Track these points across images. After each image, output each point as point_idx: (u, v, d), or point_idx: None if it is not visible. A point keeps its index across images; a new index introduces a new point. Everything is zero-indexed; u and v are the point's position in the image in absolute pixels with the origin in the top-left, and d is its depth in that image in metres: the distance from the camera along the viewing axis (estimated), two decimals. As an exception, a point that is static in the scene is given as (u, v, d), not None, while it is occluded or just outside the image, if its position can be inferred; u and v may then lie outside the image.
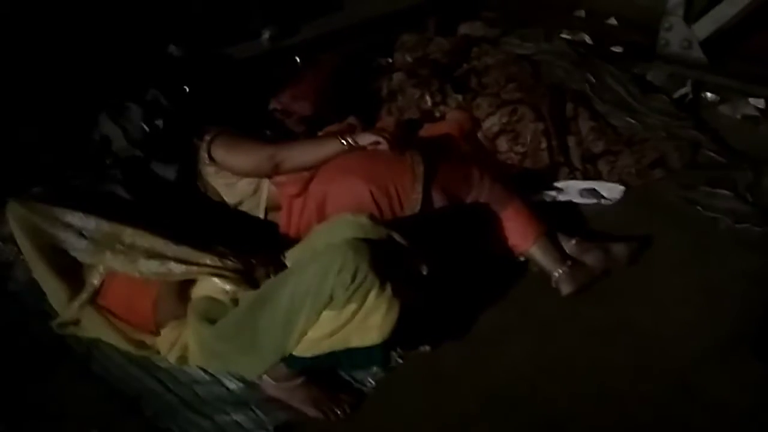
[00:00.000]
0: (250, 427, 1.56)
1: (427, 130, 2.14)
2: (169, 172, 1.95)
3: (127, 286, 1.70)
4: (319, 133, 2.01)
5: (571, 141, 2.22)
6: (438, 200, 1.83)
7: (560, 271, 1.84)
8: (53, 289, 1.74)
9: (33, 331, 1.76)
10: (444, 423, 1.56)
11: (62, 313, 1.75)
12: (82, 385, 1.64)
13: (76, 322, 1.75)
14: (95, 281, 1.73)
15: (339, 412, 1.58)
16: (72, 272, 1.74)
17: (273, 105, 2.14)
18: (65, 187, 1.87)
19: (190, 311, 1.63)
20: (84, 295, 1.73)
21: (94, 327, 1.73)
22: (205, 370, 1.67)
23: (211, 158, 1.88)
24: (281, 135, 1.98)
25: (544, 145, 2.15)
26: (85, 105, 2.04)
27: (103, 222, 1.71)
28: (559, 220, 1.98)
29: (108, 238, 1.70)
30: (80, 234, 1.71)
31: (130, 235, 1.69)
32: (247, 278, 1.64)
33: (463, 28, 2.81)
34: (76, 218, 1.71)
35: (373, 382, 1.65)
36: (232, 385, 1.66)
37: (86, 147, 1.99)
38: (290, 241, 1.81)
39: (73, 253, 1.72)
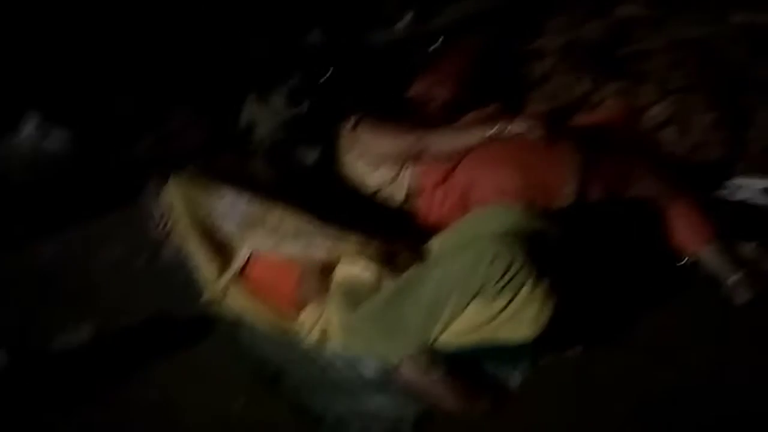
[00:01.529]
0: (389, 411, 1.53)
1: (581, 119, 2.01)
2: (311, 156, 1.98)
3: (271, 265, 1.73)
4: (462, 120, 1.94)
5: (749, 133, 2.00)
6: (594, 194, 1.70)
7: (735, 277, 1.66)
8: (203, 264, 1.79)
9: (183, 303, 1.82)
10: (592, 430, 1.46)
11: (210, 287, 1.80)
12: (229, 357, 1.69)
13: (223, 297, 1.79)
14: (242, 259, 1.76)
15: (480, 407, 1.51)
16: (221, 249, 1.79)
17: (413, 90, 2.10)
18: (217, 166, 1.94)
19: (333, 292, 1.64)
20: (231, 272, 1.77)
21: (239, 303, 1.77)
22: (344, 351, 1.65)
23: (353, 143, 1.87)
24: (421, 121, 1.93)
25: (716, 137, 1.96)
26: (233, 89, 2.12)
27: (253, 201, 1.74)
28: (734, 222, 1.79)
29: (257, 217, 1.72)
30: (231, 212, 1.74)
31: (277, 215, 1.71)
32: (390, 263, 1.62)
33: (620, 9, 2.58)
34: (228, 196, 1.75)
35: (518, 380, 1.57)
36: (371, 368, 1.62)
37: (233, 129, 2.06)
38: (429, 230, 1.77)
39: (223, 230, 1.77)
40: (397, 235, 1.69)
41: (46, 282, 1.92)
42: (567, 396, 1.53)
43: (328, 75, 2.00)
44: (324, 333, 1.66)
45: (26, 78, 2.20)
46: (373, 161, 1.88)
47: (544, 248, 1.43)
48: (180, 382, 1.62)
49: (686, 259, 1.75)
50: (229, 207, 1.75)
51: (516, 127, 1.72)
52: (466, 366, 1.56)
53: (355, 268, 1.63)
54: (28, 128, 2.11)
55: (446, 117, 1.97)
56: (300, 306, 1.69)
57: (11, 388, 1.58)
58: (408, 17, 2.53)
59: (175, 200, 1.78)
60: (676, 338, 1.63)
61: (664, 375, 1.55)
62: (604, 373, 1.56)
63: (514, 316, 1.42)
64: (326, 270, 1.68)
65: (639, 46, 2.23)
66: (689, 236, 1.72)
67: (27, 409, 1.55)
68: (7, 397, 1.56)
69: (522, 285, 1.39)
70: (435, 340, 1.49)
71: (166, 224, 1.90)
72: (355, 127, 1.86)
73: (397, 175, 1.87)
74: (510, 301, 1.41)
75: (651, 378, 1.55)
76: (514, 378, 1.57)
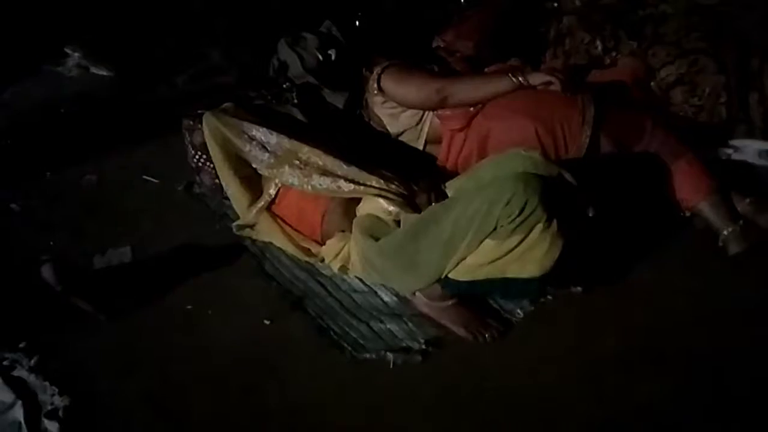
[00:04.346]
0: (402, 336, 1.65)
1: (596, 76, 2.10)
2: (338, 100, 2.06)
3: (299, 198, 1.85)
4: (486, 70, 2.02)
5: (753, 98, 2.07)
6: (605, 146, 1.81)
7: (730, 229, 1.77)
8: (236, 195, 1.92)
9: (215, 230, 1.97)
10: (586, 362, 1.57)
11: (242, 216, 1.93)
12: (256, 281, 1.81)
13: (253, 226, 1.92)
14: (272, 191, 1.88)
15: (487, 336, 1.63)
16: (252, 181, 1.91)
17: (436, 43, 2.18)
18: (249, 105, 2.04)
19: (355, 226, 1.74)
20: (261, 203, 1.89)
21: (267, 232, 1.90)
22: (362, 281, 1.78)
23: (380, 89, 1.95)
24: (445, 72, 2.01)
25: (723, 99, 2.04)
26: (266, 33, 2.20)
27: (284, 138, 1.84)
28: (732, 179, 1.88)
29: (287, 153, 1.83)
30: (263, 147, 1.85)
31: (306, 152, 1.82)
32: (410, 202, 1.73)
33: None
34: (261, 133, 1.86)
35: (521, 314, 1.69)
36: (387, 297, 1.76)
37: (266, 71, 2.14)
38: (446, 174, 1.88)
39: (255, 164, 1.88)
40: (417, 176, 1.79)
41: (89, 206, 2.05)
42: (565, 330, 1.66)
43: (358, 22, 2.07)
44: (345, 263, 1.77)
45: (69, 14, 2.27)
46: (396, 107, 1.97)
47: (557, 193, 1.52)
48: (210, 301, 1.75)
49: (686, 211, 1.85)
50: (261, 143, 1.85)
51: (535, 79, 1.81)
52: (476, 298, 1.68)
53: (376, 205, 1.74)
54: (72, 63, 2.21)
55: (468, 70, 2.05)
56: (324, 237, 1.82)
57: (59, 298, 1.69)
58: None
59: (209, 134, 1.88)
60: (671, 283, 1.75)
61: (657, 315, 1.67)
62: (601, 311, 1.69)
63: (524, 255, 1.52)
64: (350, 206, 1.79)
65: (656, 10, 2.29)
66: (690, 190, 1.82)
67: (75, 314, 1.68)
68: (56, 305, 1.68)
69: (534, 226, 1.48)
70: (448, 272, 1.59)
71: (201, 156, 2.03)
72: (381, 73, 1.94)
73: (420, 121, 1.97)
74: (521, 241, 1.50)
75: (645, 317, 1.67)
76: (519, 311, 1.70)
